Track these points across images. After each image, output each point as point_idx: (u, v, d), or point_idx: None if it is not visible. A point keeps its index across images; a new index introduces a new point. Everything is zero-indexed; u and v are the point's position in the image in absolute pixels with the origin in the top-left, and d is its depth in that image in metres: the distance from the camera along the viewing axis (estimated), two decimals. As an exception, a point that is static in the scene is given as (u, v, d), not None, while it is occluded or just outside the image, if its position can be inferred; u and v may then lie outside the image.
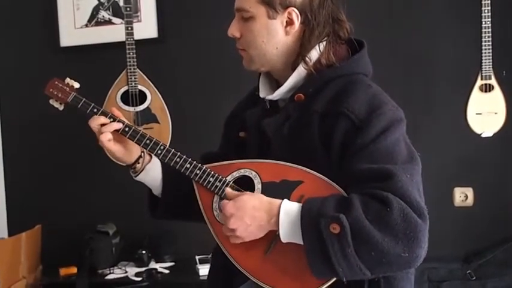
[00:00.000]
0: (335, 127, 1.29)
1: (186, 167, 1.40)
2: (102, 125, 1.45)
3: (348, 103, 1.30)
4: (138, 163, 1.51)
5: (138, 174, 1.53)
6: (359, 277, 1.20)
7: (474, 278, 2.79)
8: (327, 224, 1.17)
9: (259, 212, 1.26)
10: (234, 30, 1.41)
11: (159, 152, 1.43)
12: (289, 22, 1.37)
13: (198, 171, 1.40)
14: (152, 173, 1.53)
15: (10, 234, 3.19)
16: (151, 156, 1.53)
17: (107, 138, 1.43)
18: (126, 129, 1.45)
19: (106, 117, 1.46)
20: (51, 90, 1.51)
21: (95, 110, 1.47)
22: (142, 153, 1.52)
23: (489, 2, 2.64)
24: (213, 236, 1.38)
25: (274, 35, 1.38)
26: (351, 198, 1.21)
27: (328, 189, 1.28)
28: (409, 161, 1.26)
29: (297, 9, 1.36)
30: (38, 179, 3.26)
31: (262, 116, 1.44)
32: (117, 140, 1.46)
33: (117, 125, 1.45)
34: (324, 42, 1.39)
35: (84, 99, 1.49)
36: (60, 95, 1.50)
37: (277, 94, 1.42)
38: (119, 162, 1.54)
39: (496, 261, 2.84)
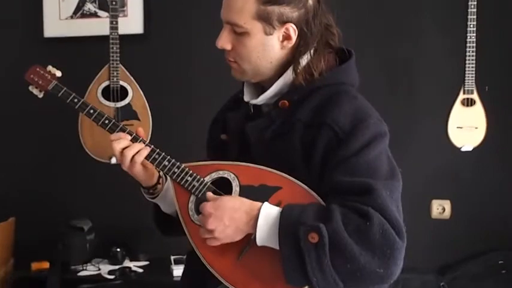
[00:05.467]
0: (318, 137, 1.28)
1: (164, 164, 1.38)
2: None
3: (332, 114, 1.29)
4: (159, 183, 1.46)
5: (156, 196, 1.48)
6: None
7: (448, 290, 2.81)
8: (306, 233, 1.16)
9: (239, 212, 1.24)
10: (224, 43, 1.36)
11: None
12: (286, 37, 1.34)
13: (176, 170, 1.38)
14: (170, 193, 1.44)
15: (-18, 225, 3.13)
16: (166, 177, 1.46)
17: (137, 167, 1.38)
18: (106, 121, 1.43)
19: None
20: (31, 76, 1.48)
21: (76, 100, 1.45)
22: (161, 174, 1.46)
23: (475, 17, 2.66)
24: (187, 236, 1.36)
25: (270, 50, 1.35)
26: (331, 208, 1.20)
27: (306, 197, 1.27)
28: (390, 177, 1.26)
29: (294, 24, 1.33)
30: (14, 170, 3.21)
31: (245, 119, 1.42)
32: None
33: (146, 150, 1.38)
34: (313, 50, 1.37)
35: (65, 88, 1.47)
36: (40, 82, 1.48)
37: (262, 99, 1.40)
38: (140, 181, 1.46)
39: (470, 274, 2.86)
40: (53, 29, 3.12)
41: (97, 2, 3.09)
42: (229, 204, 1.26)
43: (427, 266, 2.89)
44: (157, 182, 1.46)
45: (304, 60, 1.36)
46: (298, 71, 1.35)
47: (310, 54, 1.37)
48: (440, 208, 2.98)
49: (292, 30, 1.34)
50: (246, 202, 1.27)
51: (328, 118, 1.28)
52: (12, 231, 3.01)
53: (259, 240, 1.24)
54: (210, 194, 1.32)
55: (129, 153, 1.37)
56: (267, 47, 1.35)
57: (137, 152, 1.38)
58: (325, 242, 1.15)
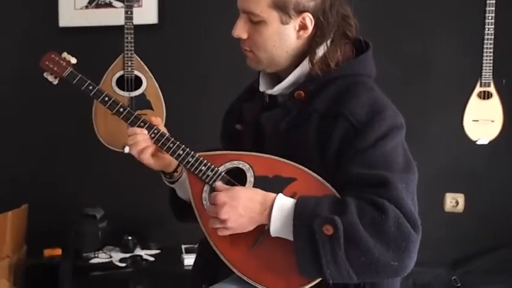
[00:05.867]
0: (334, 128, 1.27)
1: (179, 153, 1.38)
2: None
3: (349, 105, 1.28)
4: (176, 171, 1.48)
5: (174, 181, 1.49)
6: (345, 280, 1.19)
7: (459, 284, 2.79)
8: (321, 225, 1.16)
9: (253, 203, 1.24)
10: (240, 32, 1.36)
11: (152, 135, 1.40)
12: (302, 26, 1.34)
13: (190, 159, 1.37)
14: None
15: (-4, 212, 3.16)
16: None
17: (147, 155, 1.40)
18: (121, 109, 1.43)
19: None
20: (47, 63, 1.49)
21: (90, 87, 1.45)
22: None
23: (493, 8, 2.63)
24: (200, 225, 1.36)
25: (286, 40, 1.34)
26: (346, 200, 1.20)
27: (321, 189, 1.26)
28: (405, 170, 1.25)
29: (311, 13, 1.32)
30: (29, 158, 3.23)
31: (261, 110, 1.42)
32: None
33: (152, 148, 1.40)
34: (329, 40, 1.37)
35: (80, 75, 1.47)
36: (56, 69, 1.48)
37: (277, 89, 1.39)
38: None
39: (482, 269, 2.84)
40: (68, 18, 3.13)
41: (112, -8, 3.09)
42: (243, 194, 1.26)
43: (439, 259, 2.87)
44: (175, 170, 1.47)
45: (320, 51, 1.36)
46: (315, 61, 1.34)
47: (327, 45, 1.36)
48: (454, 201, 2.96)
49: (309, 19, 1.33)
50: (260, 193, 1.26)
51: (345, 109, 1.27)
52: (25, 218, 3.03)
53: (273, 232, 1.23)
54: (219, 184, 1.32)
55: (134, 150, 1.39)
56: (283, 36, 1.34)
57: (145, 148, 1.39)
58: (340, 234, 1.14)
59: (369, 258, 1.15)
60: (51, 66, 1.48)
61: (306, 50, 1.36)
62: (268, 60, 1.37)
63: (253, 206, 1.24)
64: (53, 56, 1.49)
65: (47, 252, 2.91)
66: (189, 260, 2.75)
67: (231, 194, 1.26)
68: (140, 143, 1.38)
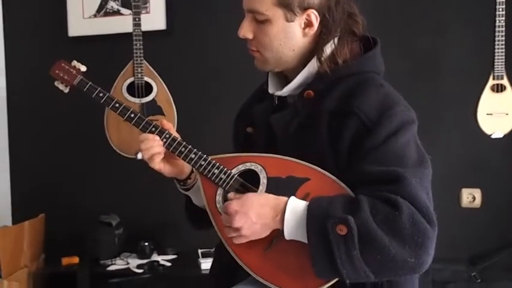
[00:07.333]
0: (344, 126, 1.26)
1: (191, 157, 1.38)
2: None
3: (358, 103, 1.27)
4: (190, 178, 1.48)
5: (189, 189, 1.49)
6: (362, 280, 1.18)
7: (479, 280, 2.76)
8: (334, 225, 1.15)
9: (265, 208, 1.24)
10: (246, 32, 1.35)
11: (164, 140, 1.40)
12: (308, 24, 1.33)
13: (203, 162, 1.37)
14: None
15: (14, 222, 3.19)
16: None
17: (158, 161, 1.40)
18: (132, 115, 1.43)
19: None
20: (57, 72, 1.49)
21: (101, 95, 1.45)
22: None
23: (503, 0, 2.60)
24: (215, 229, 1.35)
25: (292, 38, 1.34)
26: (359, 199, 1.19)
27: (334, 188, 1.25)
28: (419, 165, 1.24)
29: (316, 10, 1.32)
30: (44, 168, 3.26)
31: (270, 111, 1.41)
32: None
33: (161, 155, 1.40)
34: (337, 38, 1.36)
35: (90, 82, 1.47)
36: (66, 77, 1.49)
37: (286, 90, 1.39)
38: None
39: (502, 264, 2.80)
40: (77, 28, 3.15)
41: (120, 0, 3.10)
42: (255, 201, 1.25)
43: (457, 255, 2.84)
44: (188, 177, 1.47)
45: (328, 49, 1.35)
46: (323, 59, 1.33)
47: (334, 43, 1.35)
48: (471, 197, 2.93)
49: (314, 16, 1.32)
50: (272, 197, 1.26)
51: (355, 107, 1.26)
52: (43, 228, 3.05)
53: (287, 235, 1.23)
54: (231, 195, 1.32)
55: (146, 156, 1.39)
56: (289, 34, 1.33)
57: (156, 153, 1.38)
58: (353, 233, 1.13)
59: (385, 256, 1.14)
60: (61, 74, 1.49)
61: (313, 49, 1.35)
62: (275, 60, 1.37)
63: (266, 211, 1.23)
64: (62, 64, 1.50)
65: (65, 261, 2.92)
66: (206, 264, 2.75)
67: (242, 201, 1.25)
68: (151, 149, 1.38)
